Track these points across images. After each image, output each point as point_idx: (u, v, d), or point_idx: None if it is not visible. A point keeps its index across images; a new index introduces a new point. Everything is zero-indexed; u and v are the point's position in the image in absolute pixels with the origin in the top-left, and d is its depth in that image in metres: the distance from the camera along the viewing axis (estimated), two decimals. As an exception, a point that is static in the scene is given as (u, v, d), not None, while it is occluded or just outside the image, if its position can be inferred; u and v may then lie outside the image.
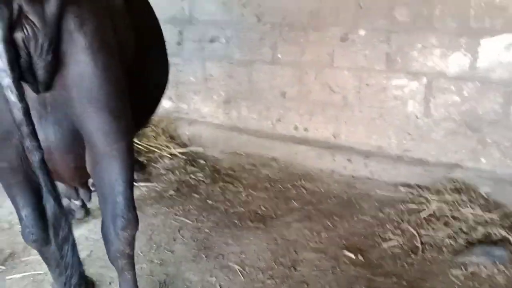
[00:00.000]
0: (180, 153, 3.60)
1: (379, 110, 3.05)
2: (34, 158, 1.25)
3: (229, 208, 2.77)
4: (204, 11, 3.54)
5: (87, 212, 2.57)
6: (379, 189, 2.94)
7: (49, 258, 1.67)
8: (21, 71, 1.21)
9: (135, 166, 3.15)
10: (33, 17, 1.18)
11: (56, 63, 1.27)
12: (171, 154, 3.58)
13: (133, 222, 1.55)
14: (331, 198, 2.89)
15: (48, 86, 1.30)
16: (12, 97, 1.16)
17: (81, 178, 1.58)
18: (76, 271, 1.44)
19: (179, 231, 2.52)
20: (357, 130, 3.19)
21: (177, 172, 3.29)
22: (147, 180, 3.20)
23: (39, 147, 1.24)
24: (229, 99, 3.69)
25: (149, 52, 2.00)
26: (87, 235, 2.42)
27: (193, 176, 3.22)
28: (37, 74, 1.25)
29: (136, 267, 2.16)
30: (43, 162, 1.26)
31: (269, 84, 3.45)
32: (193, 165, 3.40)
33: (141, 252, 2.31)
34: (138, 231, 2.46)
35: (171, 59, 3.73)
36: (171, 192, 3.00)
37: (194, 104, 3.90)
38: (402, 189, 2.88)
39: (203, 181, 3.14)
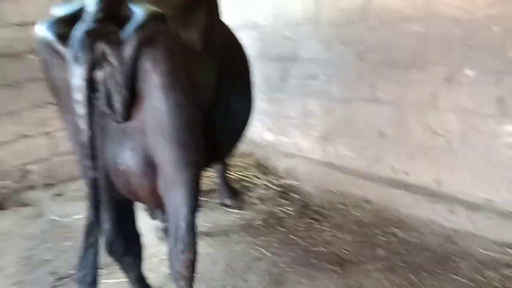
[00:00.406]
0: (274, 184, 3.71)
1: (489, 159, 2.71)
2: (87, 175, 1.46)
3: (310, 246, 2.74)
4: (307, 50, 3.65)
5: None
6: (483, 248, 2.58)
7: (126, 268, 1.88)
8: (101, 104, 1.44)
9: (230, 193, 3.35)
10: (112, 59, 1.39)
11: (132, 99, 1.47)
12: (265, 185, 3.71)
13: (191, 247, 1.66)
14: (423, 251, 2.65)
15: (126, 117, 1.50)
16: (83, 125, 1.38)
17: (156, 201, 1.74)
18: (92, 273, 1.57)
19: (256, 261, 2.59)
20: (462, 178, 2.88)
21: (268, 203, 3.40)
22: (240, 207, 3.36)
23: (93, 168, 1.44)
24: (326, 135, 3.69)
25: (233, 89, 2.17)
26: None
27: (282, 209, 3.28)
28: (115, 107, 1.46)
29: (209, 290, 2.29)
30: (93, 180, 1.45)
31: (366, 123, 3.36)
32: (284, 198, 3.47)
33: (218, 276, 2.45)
34: (219, 256, 2.63)
35: (275, 95, 3.93)
36: (258, 222, 3.11)
37: (293, 137, 4.00)
38: (510, 251, 2.49)
39: (290, 215, 3.17)
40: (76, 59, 1.35)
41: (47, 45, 1.44)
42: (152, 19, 1.41)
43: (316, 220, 3.08)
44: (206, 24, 1.79)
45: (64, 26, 1.43)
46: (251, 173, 3.89)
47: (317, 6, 3.48)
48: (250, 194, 3.57)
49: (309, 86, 3.71)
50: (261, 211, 3.29)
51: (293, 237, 2.86)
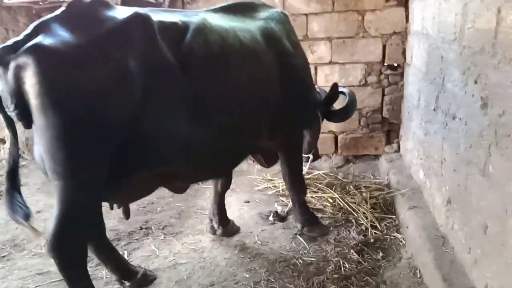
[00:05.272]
0: (374, 235, 3.11)
1: None
2: (8, 155, 2.00)
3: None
4: (451, 78, 2.63)
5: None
6: None
7: None
8: None
9: (303, 218, 3.19)
10: (2, 79, 1.73)
11: (26, 111, 1.76)
12: (365, 229, 3.19)
13: (53, 242, 1.87)
14: None
15: (25, 125, 1.82)
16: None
17: None
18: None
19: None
20: None
21: (342, 250, 2.94)
22: (312, 238, 3.11)
23: (14, 150, 1.97)
24: (450, 198, 2.67)
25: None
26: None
27: (345, 263, 2.77)
28: (13, 115, 1.82)
29: None
30: (13, 156, 1.96)
31: (478, 204, 2.22)
32: (362, 254, 2.88)
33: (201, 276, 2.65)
34: (225, 260, 2.91)
35: (428, 126, 3.28)
36: (300, 261, 2.84)
37: (432, 188, 3.08)
38: None
39: (345, 274, 2.67)
40: None
41: None
42: (25, 51, 1.63)
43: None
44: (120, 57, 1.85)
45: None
46: (363, 210, 3.37)
47: (463, 21, 2.44)
48: (337, 231, 3.19)
49: (448, 126, 2.72)
50: (319, 253, 2.91)
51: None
